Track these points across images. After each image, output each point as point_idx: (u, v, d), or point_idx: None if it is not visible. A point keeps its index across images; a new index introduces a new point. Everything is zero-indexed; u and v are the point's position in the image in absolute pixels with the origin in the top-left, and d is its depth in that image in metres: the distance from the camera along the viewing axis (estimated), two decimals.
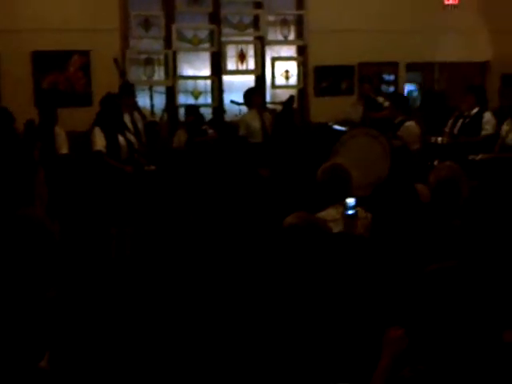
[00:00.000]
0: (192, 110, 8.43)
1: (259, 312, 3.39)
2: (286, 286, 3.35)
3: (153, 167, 7.09)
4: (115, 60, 8.05)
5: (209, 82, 9.39)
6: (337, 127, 8.20)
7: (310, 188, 4.44)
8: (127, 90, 7.77)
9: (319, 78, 9.66)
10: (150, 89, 8.85)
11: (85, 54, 8.47)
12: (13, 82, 8.12)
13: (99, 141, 6.76)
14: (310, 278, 3.32)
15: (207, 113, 9.21)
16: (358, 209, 4.05)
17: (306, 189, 4.99)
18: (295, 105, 9.39)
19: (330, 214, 4.21)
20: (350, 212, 3.92)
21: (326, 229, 3.53)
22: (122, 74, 8.11)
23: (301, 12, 9.58)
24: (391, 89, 10.05)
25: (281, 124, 8.32)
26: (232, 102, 8.79)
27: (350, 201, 3.94)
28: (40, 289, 3.39)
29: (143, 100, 8.70)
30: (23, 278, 3.29)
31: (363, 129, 7.53)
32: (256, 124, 8.35)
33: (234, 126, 8.69)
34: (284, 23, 9.61)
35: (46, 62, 8.27)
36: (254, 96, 8.51)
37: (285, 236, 3.43)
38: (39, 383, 3.00)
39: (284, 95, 9.14)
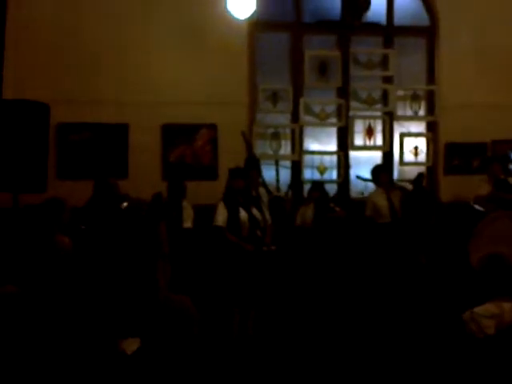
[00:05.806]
0: (318, 185, 8.21)
1: None
2: None
3: (273, 247, 6.84)
4: (243, 133, 7.98)
5: (335, 157, 9.16)
6: (478, 207, 7.72)
7: (468, 278, 4.04)
8: (253, 165, 7.63)
9: (450, 155, 9.24)
10: (276, 163, 8.71)
11: (213, 128, 8.45)
12: (141, 154, 8.16)
13: (220, 216, 6.63)
14: None
15: (332, 189, 8.96)
16: None
17: (463, 278, 4.57)
18: (424, 183, 9.02)
19: (488, 309, 3.78)
20: None
21: None
22: (249, 147, 8.02)
23: (432, 87, 9.28)
24: None
25: (411, 203, 7.93)
26: (358, 177, 8.55)
27: None
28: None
29: (268, 174, 8.55)
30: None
31: (506, 212, 7.02)
32: (383, 203, 8.02)
33: (360, 204, 8.37)
34: (414, 98, 9.31)
35: (175, 135, 8.29)
36: (382, 174, 8.23)
37: None
38: None
39: (412, 172, 8.78)
